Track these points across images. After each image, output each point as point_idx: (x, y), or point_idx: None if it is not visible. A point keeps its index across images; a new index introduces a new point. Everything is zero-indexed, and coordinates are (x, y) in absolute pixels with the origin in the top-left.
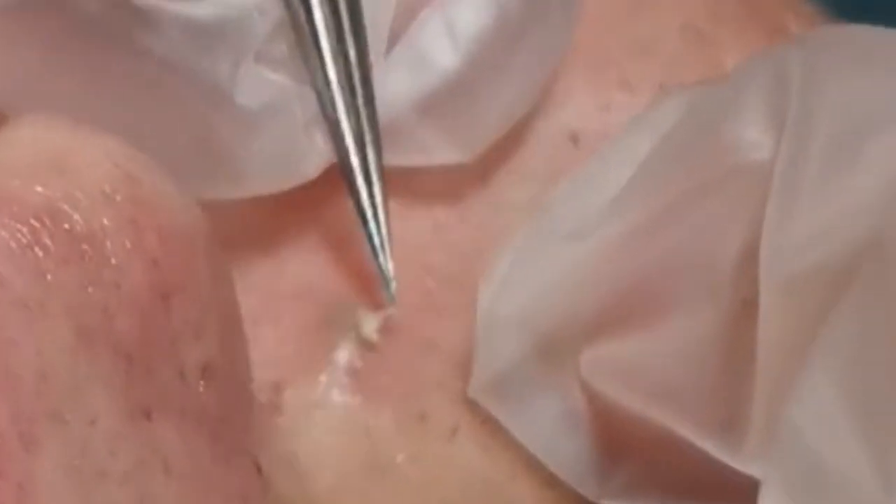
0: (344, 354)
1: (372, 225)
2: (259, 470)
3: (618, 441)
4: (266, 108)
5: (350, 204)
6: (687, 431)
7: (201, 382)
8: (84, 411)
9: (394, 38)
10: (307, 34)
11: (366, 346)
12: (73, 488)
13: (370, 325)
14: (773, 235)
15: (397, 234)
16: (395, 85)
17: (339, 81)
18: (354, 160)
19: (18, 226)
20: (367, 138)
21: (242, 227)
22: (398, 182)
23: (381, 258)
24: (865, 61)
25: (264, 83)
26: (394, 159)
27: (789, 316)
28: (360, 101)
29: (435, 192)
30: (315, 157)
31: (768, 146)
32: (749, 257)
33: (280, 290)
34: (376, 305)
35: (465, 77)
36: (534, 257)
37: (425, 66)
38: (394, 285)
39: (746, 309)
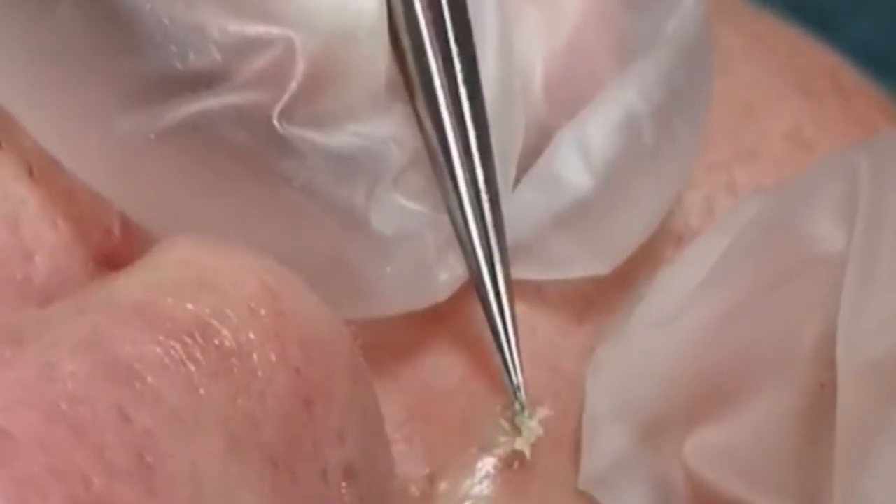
0: (494, 449)
1: (504, 341)
2: None
3: None
4: (399, 234)
5: None
6: None
7: (343, 483)
8: None
9: (531, 155)
10: (441, 163)
11: (514, 442)
12: None
13: (527, 435)
14: (848, 323)
15: (528, 337)
16: (532, 205)
17: (472, 206)
18: (487, 281)
19: (172, 342)
20: (497, 258)
21: (389, 330)
22: (527, 289)
23: (513, 373)
24: None
25: (399, 210)
26: (534, 274)
27: (865, 397)
28: (490, 224)
29: (557, 299)
30: (445, 281)
31: (840, 239)
32: (825, 343)
33: (432, 388)
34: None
35: (600, 197)
36: (628, 348)
37: (561, 186)
38: (523, 397)
39: (825, 392)
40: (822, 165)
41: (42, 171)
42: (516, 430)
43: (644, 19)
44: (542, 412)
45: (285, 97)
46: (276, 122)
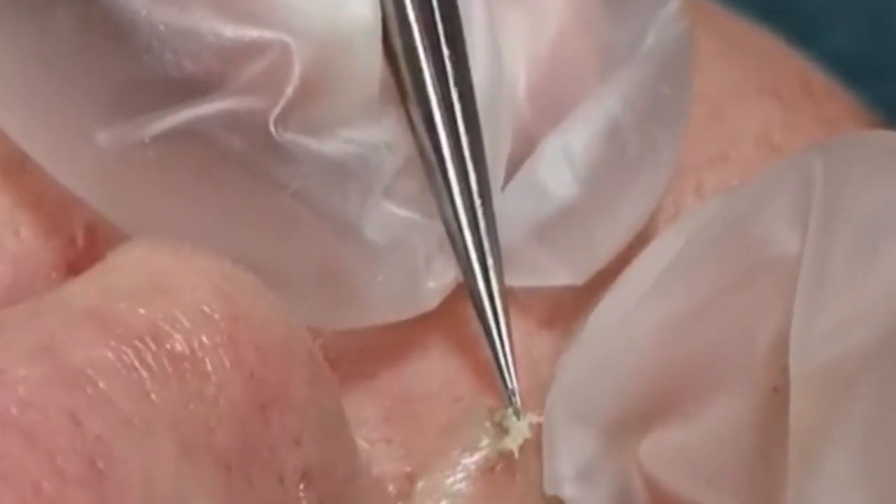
0: (477, 451)
1: (499, 347)
2: None
3: None
4: (391, 243)
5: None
6: None
7: (301, 486)
8: None
9: (516, 163)
10: (434, 165)
11: (498, 444)
12: None
13: (516, 435)
14: (800, 327)
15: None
16: (515, 212)
17: (466, 212)
18: (481, 286)
19: (124, 347)
20: (490, 263)
21: (376, 332)
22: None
23: (508, 378)
24: (886, 160)
25: (390, 218)
26: (511, 280)
27: (816, 402)
28: (483, 228)
29: (529, 301)
30: (433, 289)
31: (795, 242)
32: (779, 347)
33: (416, 389)
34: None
35: (582, 204)
36: (586, 350)
37: (544, 194)
38: (518, 402)
39: (778, 396)
40: (780, 167)
41: (5, 179)
42: (502, 433)
43: (625, 27)
44: (533, 417)
45: (281, 103)
46: (272, 128)
